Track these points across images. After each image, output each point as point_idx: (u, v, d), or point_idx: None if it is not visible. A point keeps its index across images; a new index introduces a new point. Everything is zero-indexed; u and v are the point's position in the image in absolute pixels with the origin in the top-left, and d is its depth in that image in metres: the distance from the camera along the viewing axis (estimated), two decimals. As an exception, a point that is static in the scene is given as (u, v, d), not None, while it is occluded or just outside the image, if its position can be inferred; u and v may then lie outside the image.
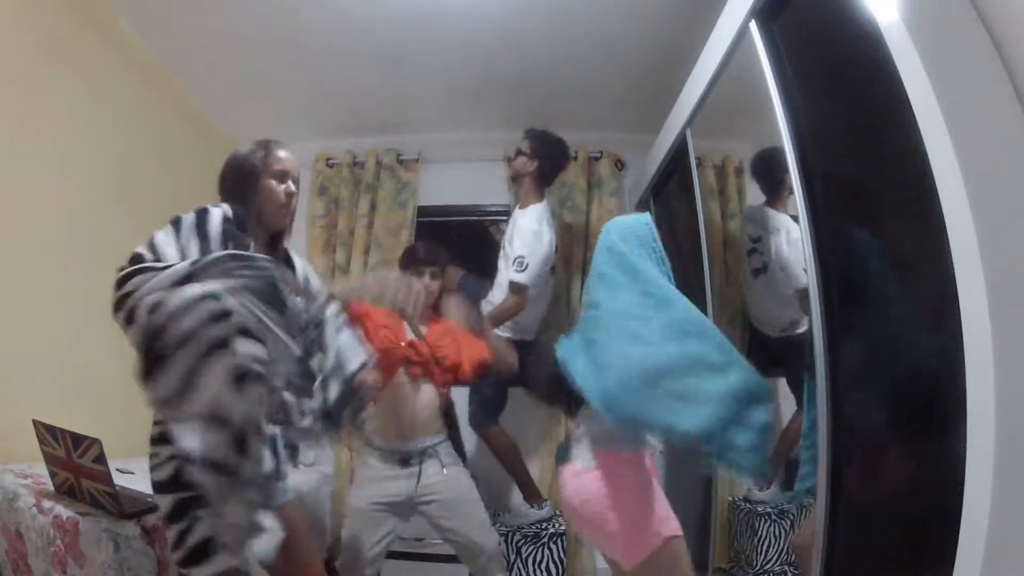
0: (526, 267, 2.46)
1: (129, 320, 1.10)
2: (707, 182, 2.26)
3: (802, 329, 1.77)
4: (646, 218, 1.56)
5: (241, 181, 1.40)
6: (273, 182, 1.42)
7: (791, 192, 1.42)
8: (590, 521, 1.46)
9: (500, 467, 2.71)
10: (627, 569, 1.42)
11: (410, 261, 2.15)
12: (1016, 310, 0.85)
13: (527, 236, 2.49)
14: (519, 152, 2.63)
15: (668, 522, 1.42)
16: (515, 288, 2.49)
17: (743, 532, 2.13)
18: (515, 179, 2.65)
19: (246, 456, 1.09)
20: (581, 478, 1.45)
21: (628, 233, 1.53)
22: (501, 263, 2.66)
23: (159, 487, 1.23)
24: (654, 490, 1.45)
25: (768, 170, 1.76)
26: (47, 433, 1.48)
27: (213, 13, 2.33)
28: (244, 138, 3.28)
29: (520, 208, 2.62)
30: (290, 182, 1.45)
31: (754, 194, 2.20)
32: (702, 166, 2.25)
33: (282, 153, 1.45)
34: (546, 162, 2.61)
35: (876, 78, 1.06)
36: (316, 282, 1.61)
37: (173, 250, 1.21)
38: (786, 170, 1.42)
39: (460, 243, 3.20)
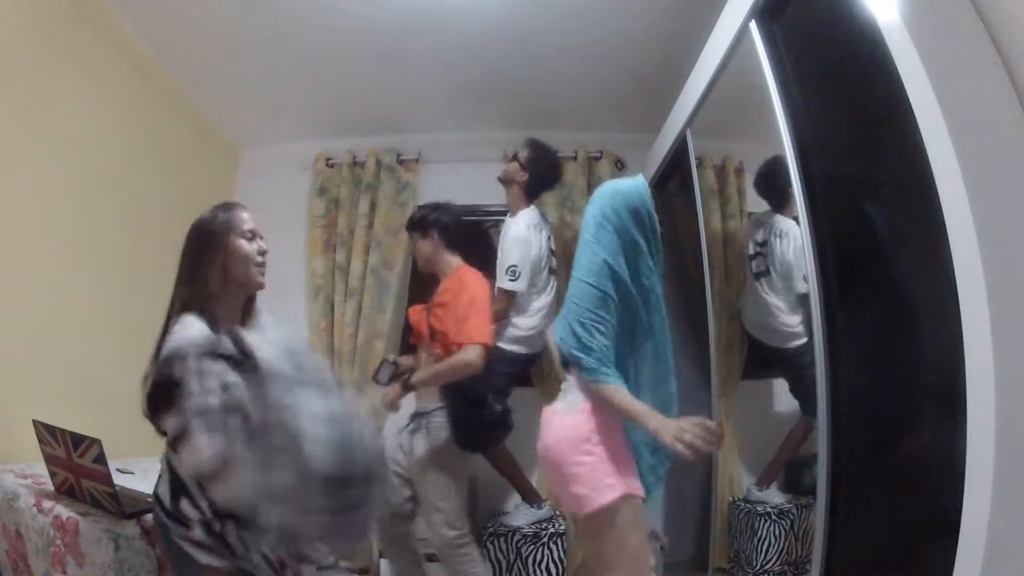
0: (519, 276, 2.49)
1: None
2: (707, 182, 2.26)
3: (800, 341, 1.77)
4: (641, 186, 1.55)
5: (210, 245, 1.33)
6: (243, 241, 1.35)
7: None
8: (558, 462, 1.47)
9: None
10: (582, 516, 1.42)
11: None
12: (1016, 310, 0.85)
13: (517, 245, 2.52)
14: (515, 157, 2.64)
15: (631, 480, 1.42)
16: (505, 294, 2.52)
17: (743, 532, 2.13)
18: (504, 182, 2.68)
19: None
20: (560, 417, 1.50)
21: (619, 203, 1.52)
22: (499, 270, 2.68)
23: None
24: (624, 447, 1.47)
25: (772, 183, 1.77)
26: (47, 433, 1.48)
27: (213, 13, 2.33)
28: (245, 138, 3.30)
29: (511, 216, 2.65)
30: (260, 240, 1.39)
31: (754, 195, 2.20)
32: (702, 166, 2.26)
33: (244, 213, 1.39)
34: (535, 177, 2.63)
35: (876, 78, 1.06)
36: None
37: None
38: (787, 174, 1.42)
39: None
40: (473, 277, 2.25)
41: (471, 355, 2.06)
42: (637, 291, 1.48)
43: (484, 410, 2.16)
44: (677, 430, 1.28)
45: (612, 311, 1.44)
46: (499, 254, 2.63)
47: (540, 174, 2.65)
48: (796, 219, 1.46)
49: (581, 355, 1.43)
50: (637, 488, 1.43)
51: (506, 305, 2.54)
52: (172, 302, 1.32)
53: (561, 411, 1.51)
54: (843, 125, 1.38)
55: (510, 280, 2.49)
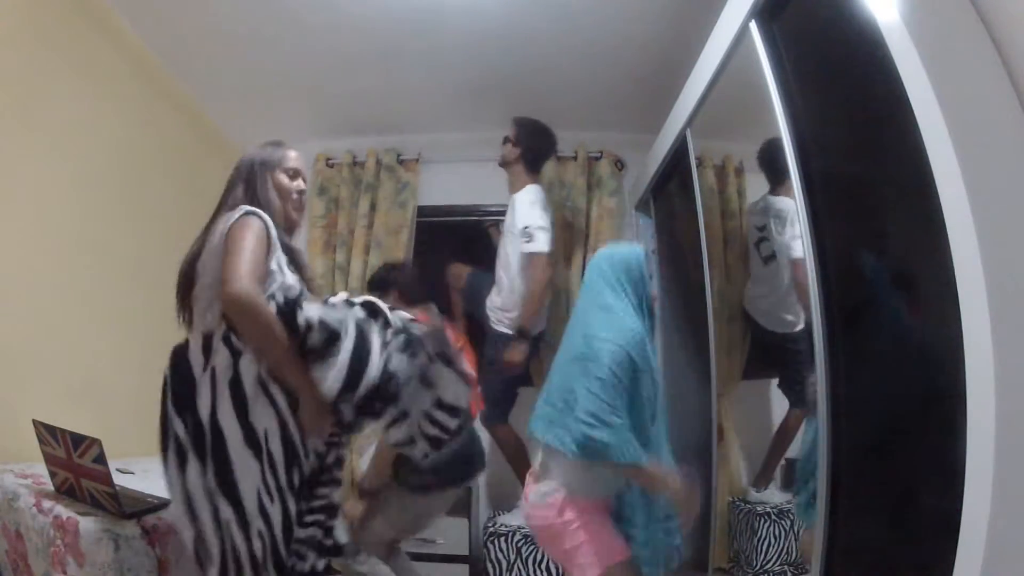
0: (532, 237, 2.50)
1: None
2: (707, 182, 2.26)
3: (801, 327, 1.77)
4: (635, 251, 1.71)
5: (257, 176, 1.46)
6: (286, 178, 1.49)
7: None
8: (545, 545, 1.73)
9: (506, 465, 2.72)
10: None
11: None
12: (1016, 310, 0.84)
13: (525, 207, 2.53)
14: (506, 139, 2.69)
15: (611, 550, 1.52)
16: (534, 260, 2.50)
17: (743, 532, 2.13)
18: (504, 165, 2.71)
19: None
20: (537, 509, 1.59)
21: (615, 262, 1.66)
22: (500, 271, 2.68)
23: None
24: (599, 525, 1.55)
25: (772, 158, 1.77)
26: (47, 433, 1.48)
27: (213, 13, 2.33)
28: (244, 138, 3.30)
29: (513, 193, 2.67)
30: (300, 180, 1.53)
31: (754, 194, 2.20)
32: (702, 166, 2.26)
33: (293, 152, 1.54)
34: (529, 150, 2.67)
35: (876, 78, 1.06)
36: None
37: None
38: (787, 167, 1.42)
39: (459, 243, 3.20)
40: None
41: None
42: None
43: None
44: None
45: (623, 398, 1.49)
46: (506, 234, 2.63)
47: (534, 143, 2.69)
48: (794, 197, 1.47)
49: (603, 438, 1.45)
50: (618, 553, 1.52)
51: (542, 268, 2.51)
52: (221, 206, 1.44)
53: (534, 503, 1.59)
54: (843, 125, 1.38)
55: (527, 243, 2.48)
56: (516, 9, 2.34)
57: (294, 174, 1.51)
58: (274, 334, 1.24)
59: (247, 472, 1.24)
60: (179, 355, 1.32)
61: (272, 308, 1.26)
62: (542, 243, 2.49)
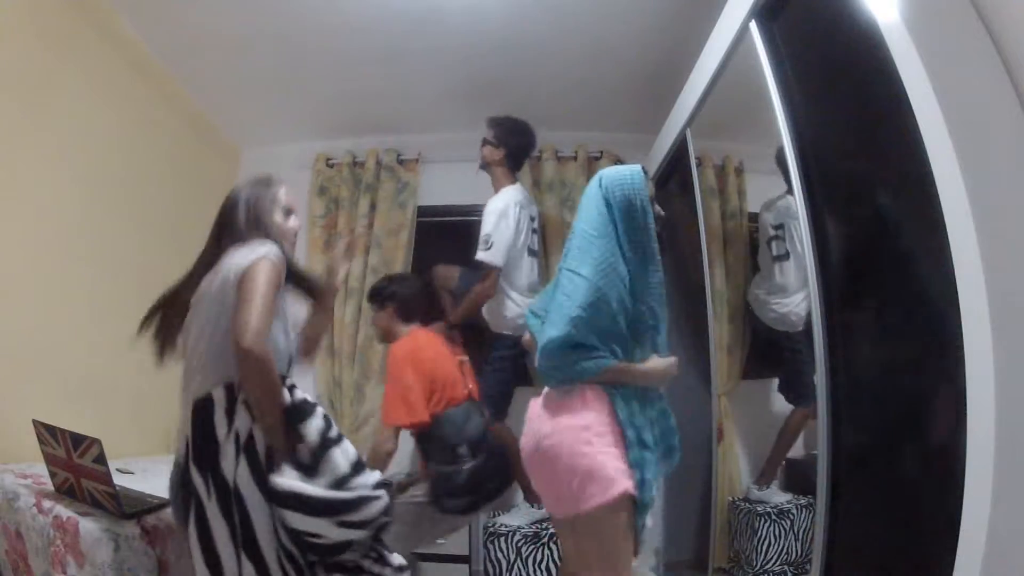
0: (491, 245, 2.47)
1: None
2: (707, 182, 2.26)
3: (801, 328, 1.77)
4: (634, 172, 1.56)
5: (257, 218, 1.41)
6: (282, 216, 1.44)
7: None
8: (556, 455, 1.36)
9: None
10: (581, 512, 1.33)
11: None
12: (1016, 310, 0.85)
13: (492, 217, 2.51)
14: (486, 141, 2.66)
15: (629, 477, 1.33)
16: (483, 268, 2.50)
17: (743, 532, 2.13)
18: (485, 167, 2.69)
19: None
20: (551, 409, 1.42)
21: (614, 184, 1.55)
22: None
23: None
24: (620, 437, 1.36)
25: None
26: (47, 433, 1.48)
27: (213, 14, 2.33)
28: (244, 138, 3.29)
29: (493, 196, 2.65)
30: (293, 217, 1.48)
31: (754, 194, 2.20)
32: (702, 166, 2.26)
33: (283, 188, 1.48)
34: (513, 149, 2.66)
35: (876, 78, 1.07)
36: None
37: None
38: (787, 173, 1.42)
39: (459, 243, 3.20)
40: (399, 349, 2.17)
41: (384, 446, 2.06)
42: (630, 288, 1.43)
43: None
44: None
45: (608, 311, 1.39)
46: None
47: (515, 142, 2.67)
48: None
49: (578, 362, 1.37)
50: (632, 486, 1.33)
51: (490, 283, 2.50)
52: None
53: (555, 397, 1.42)
54: (843, 125, 1.39)
55: (483, 250, 2.47)
56: (516, 10, 2.34)
57: (288, 212, 1.46)
58: (279, 397, 1.23)
59: (266, 534, 1.22)
60: (203, 413, 1.27)
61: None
62: (496, 256, 2.46)
